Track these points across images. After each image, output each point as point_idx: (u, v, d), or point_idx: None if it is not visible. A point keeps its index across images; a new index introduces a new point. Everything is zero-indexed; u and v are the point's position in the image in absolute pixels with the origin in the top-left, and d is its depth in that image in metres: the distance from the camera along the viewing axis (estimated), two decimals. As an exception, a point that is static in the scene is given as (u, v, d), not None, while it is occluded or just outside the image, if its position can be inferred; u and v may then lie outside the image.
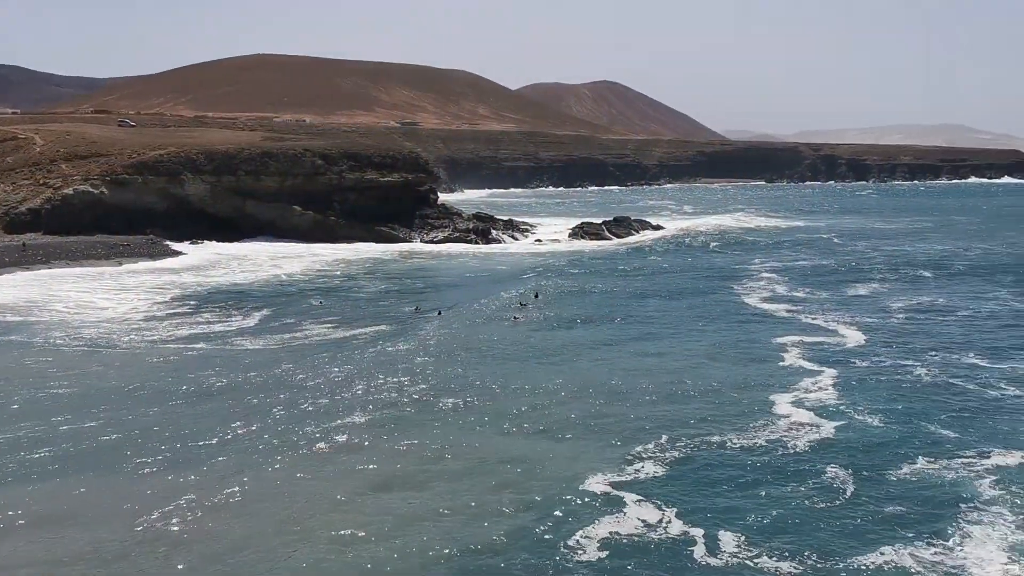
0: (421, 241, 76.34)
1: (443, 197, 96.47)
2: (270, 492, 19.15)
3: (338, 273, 57.41)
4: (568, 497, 18.92)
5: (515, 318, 39.82)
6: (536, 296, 45.68)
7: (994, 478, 19.85)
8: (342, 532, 17.23)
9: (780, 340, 34.53)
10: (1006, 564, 15.86)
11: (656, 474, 20.34)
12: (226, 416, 24.47)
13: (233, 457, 21.35)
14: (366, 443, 22.36)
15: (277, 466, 20.74)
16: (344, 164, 78.81)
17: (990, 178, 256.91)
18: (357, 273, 57.45)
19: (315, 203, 76.35)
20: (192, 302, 44.72)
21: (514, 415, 24.74)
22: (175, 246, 67.23)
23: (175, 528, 17.38)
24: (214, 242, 70.89)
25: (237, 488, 19.28)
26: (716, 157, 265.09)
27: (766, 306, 43.33)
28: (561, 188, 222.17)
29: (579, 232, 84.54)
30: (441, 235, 77.91)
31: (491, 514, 18.05)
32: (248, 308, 43.09)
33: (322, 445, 22.20)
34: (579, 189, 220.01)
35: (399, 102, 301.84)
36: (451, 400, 26.17)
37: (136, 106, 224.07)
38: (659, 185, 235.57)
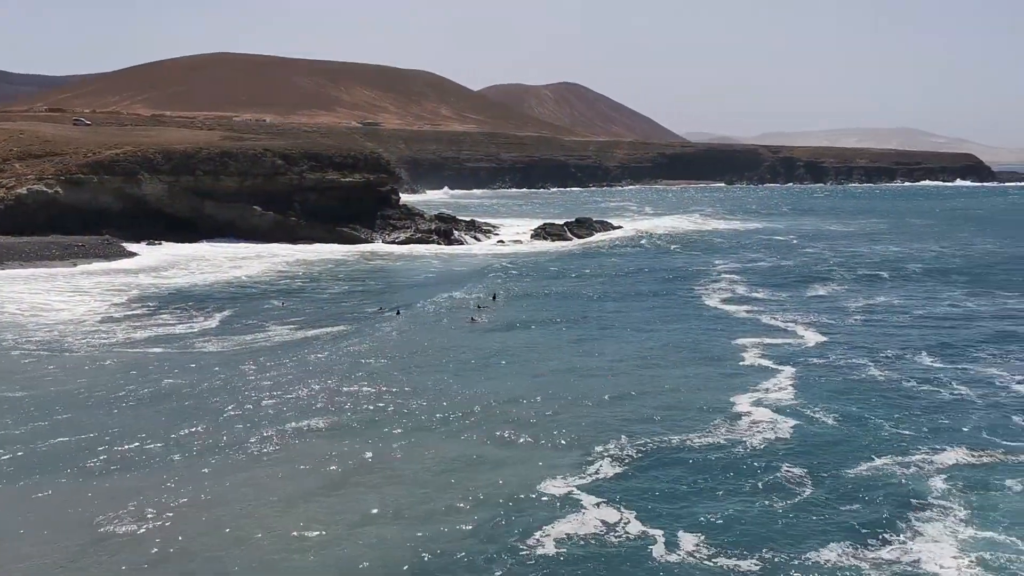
0: (383, 242, 76.02)
1: (405, 198, 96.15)
2: (223, 494, 18.97)
3: (300, 274, 56.99)
4: (526, 498, 18.99)
5: (472, 319, 39.83)
6: (494, 298, 45.71)
7: (945, 476, 20.29)
8: (300, 533, 17.14)
9: (739, 340, 34.95)
10: (957, 558, 16.23)
11: (615, 474, 20.49)
12: (182, 418, 24.19)
13: (187, 459, 21.12)
14: (324, 445, 22.23)
15: (231, 468, 20.56)
16: (305, 164, 78.23)
17: (944, 181, 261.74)
18: (319, 274, 57.08)
19: (275, 203, 75.69)
20: (151, 304, 44.13)
21: (471, 416, 24.75)
22: (132, 247, 66.20)
23: (126, 530, 17.17)
24: (172, 243, 69.94)
25: (190, 489, 19.09)
26: (677, 159, 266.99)
27: (726, 307, 43.81)
28: (523, 189, 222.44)
29: (541, 233, 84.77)
30: (403, 236, 77.66)
31: (449, 515, 18.07)
32: (209, 310, 42.63)
33: (280, 448, 22.05)
34: (541, 190, 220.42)
35: (360, 102, 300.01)
36: (408, 402, 26.12)
37: (92, 104, 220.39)
38: (621, 186, 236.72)
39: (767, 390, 27.59)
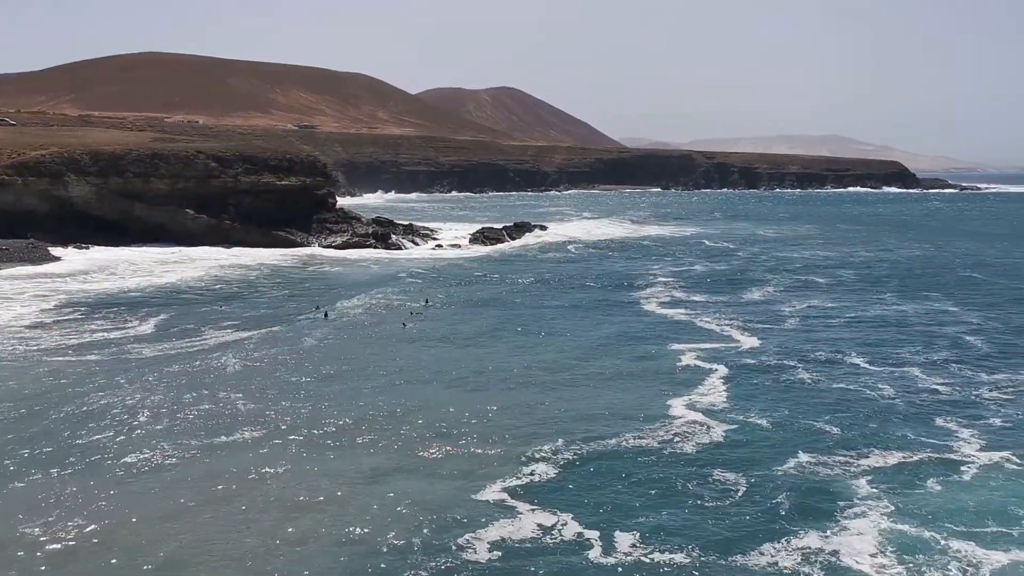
0: (319, 246, 75.18)
1: (342, 201, 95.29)
2: (104, 506, 18.63)
3: (236, 278, 56.01)
4: (463, 503, 19.02)
5: (404, 324, 39.50)
6: (427, 303, 45.43)
7: (870, 475, 20.93)
8: (206, 548, 16.86)
9: (675, 344, 35.46)
10: (877, 551, 16.85)
11: (551, 478, 20.63)
12: (79, 426, 23.63)
13: (77, 471, 20.65)
14: (260, 451, 21.94)
15: (119, 481, 20.15)
16: (239, 167, 76.97)
17: (871, 187, 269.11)
18: (255, 279, 56.18)
19: (209, 206, 74.28)
20: (82, 309, 42.92)
21: (405, 422, 24.66)
22: (58, 251, 64.29)
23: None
24: (101, 246, 68.09)
25: (72, 498, 18.73)
26: (614, 164, 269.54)
27: (662, 310, 44.41)
28: (462, 193, 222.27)
29: (480, 237, 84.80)
30: (340, 240, 76.92)
31: (383, 521, 18.00)
32: (143, 315, 41.66)
33: (189, 460, 21.69)
34: (480, 194, 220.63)
35: (296, 105, 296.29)
36: (340, 408, 25.97)
37: (16, 104, 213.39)
38: (559, 191, 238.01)
39: (702, 393, 28.05)
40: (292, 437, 23.18)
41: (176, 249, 69.33)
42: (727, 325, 40.07)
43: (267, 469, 20.87)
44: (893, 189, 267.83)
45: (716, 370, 31.14)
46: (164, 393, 27.16)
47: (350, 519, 18.03)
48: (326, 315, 41.29)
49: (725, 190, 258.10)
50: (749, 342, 36.31)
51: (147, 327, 38.89)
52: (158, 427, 23.84)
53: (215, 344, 35.00)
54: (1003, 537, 17.52)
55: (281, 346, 34.47)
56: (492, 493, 19.63)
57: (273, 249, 71.66)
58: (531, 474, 20.80)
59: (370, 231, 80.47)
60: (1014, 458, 22.12)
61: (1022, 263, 67.17)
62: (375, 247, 76.79)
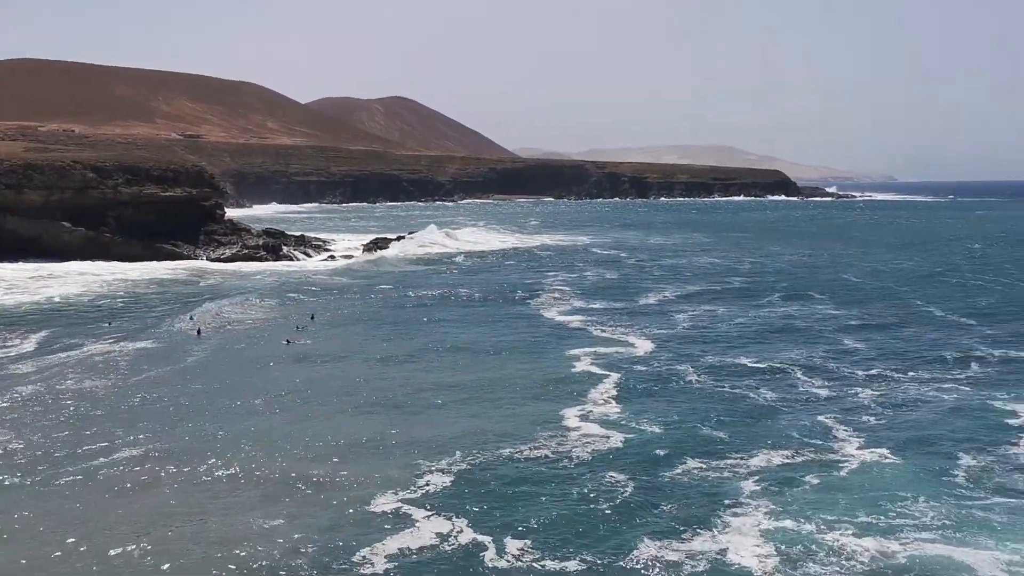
0: (207, 259, 72.99)
1: (231, 212, 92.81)
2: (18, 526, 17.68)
3: (120, 293, 53.80)
4: (356, 516, 18.81)
5: (287, 340, 38.10)
6: (312, 317, 43.95)
7: (755, 475, 21.66)
8: (109, 563, 16.17)
9: (572, 351, 35.90)
10: (758, 547, 17.50)
11: (445, 487, 20.61)
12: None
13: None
14: (144, 467, 21.13)
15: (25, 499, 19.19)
16: (120, 178, 74.07)
17: (756, 196, 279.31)
18: (141, 294, 54.05)
19: (87, 219, 71.19)
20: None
21: (293, 439, 24.17)
22: (-79, 267, 60.48)
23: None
24: (-31, 262, 64.36)
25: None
26: (508, 173, 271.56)
27: (558, 318, 44.90)
28: (355, 203, 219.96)
29: (372, 247, 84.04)
30: (229, 252, 74.90)
31: (273, 538, 17.58)
32: (21, 333, 39.58)
33: (89, 474, 20.75)
34: (373, 204, 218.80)
35: (182, 114, 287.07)
36: (224, 425, 25.35)
37: None
38: (453, 201, 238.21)
39: (597, 401, 28.47)
40: (169, 463, 22.39)
41: (53, 264, 66.12)
42: (621, 332, 40.82)
43: (144, 492, 20.10)
44: (776, 197, 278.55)
45: (611, 376, 31.65)
46: (23, 412, 25.82)
47: (235, 541, 17.50)
48: (199, 332, 39.46)
49: (616, 199, 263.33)
50: (643, 347, 37.06)
51: (18, 347, 36.96)
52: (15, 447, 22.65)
53: (84, 362, 33.49)
54: (872, 527, 18.46)
55: (157, 365, 33.19)
56: (388, 505, 19.45)
57: (158, 262, 69.18)
58: (427, 485, 20.70)
59: (261, 243, 78.68)
60: (887, 453, 23.25)
61: (890, 267, 70.79)
62: (266, 259, 75.09)
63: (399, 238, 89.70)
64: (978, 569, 16.62)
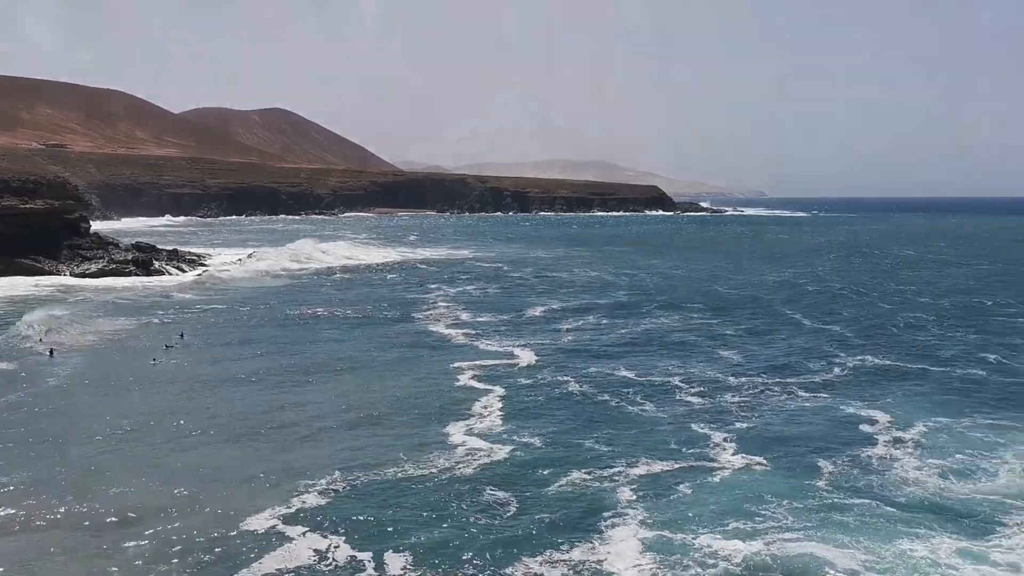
0: (71, 274, 69.48)
1: (97, 226, 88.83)
2: None
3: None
4: (231, 537, 18.36)
5: (153, 360, 36.63)
6: (182, 336, 42.38)
7: (634, 484, 22.22)
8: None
9: (456, 365, 35.95)
10: (638, 555, 18.01)
11: (323, 505, 20.33)
12: None
13: None
14: None
15: None
16: (-26, 189, 69.82)
17: (634, 210, 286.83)
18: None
19: (-63, 233, 66.74)
20: None
21: (160, 461, 23.35)
22: None
23: None
24: None
25: None
26: (390, 187, 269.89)
27: (442, 332, 44.86)
28: (232, 216, 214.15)
29: (249, 262, 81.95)
30: (95, 267, 71.50)
31: (142, 564, 16.93)
32: None
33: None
34: (251, 218, 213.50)
35: (43, 122, 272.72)
36: (85, 448, 24.30)
37: None
38: (334, 214, 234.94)
39: (480, 414, 28.61)
40: (22, 496, 21.25)
41: None
42: (505, 345, 41.14)
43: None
44: (653, 212, 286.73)
45: (494, 390, 31.85)
46: None
47: (101, 569, 16.76)
48: (51, 353, 37.21)
49: (499, 213, 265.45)
50: (526, 360, 37.47)
51: None
52: None
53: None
54: (741, 530, 19.25)
55: (8, 391, 31.40)
56: (263, 524, 19.03)
57: (17, 278, 65.40)
58: (304, 505, 20.35)
59: (130, 257, 75.52)
60: (756, 458, 24.26)
61: (759, 278, 73.94)
62: (136, 274, 72.07)
63: (277, 252, 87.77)
64: (836, 564, 17.58)
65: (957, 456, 24.64)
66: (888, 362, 37.79)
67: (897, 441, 26.15)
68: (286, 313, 51.75)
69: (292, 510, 19.91)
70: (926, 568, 17.58)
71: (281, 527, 19.00)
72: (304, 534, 18.66)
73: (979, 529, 19.55)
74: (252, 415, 28.43)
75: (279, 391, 31.84)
